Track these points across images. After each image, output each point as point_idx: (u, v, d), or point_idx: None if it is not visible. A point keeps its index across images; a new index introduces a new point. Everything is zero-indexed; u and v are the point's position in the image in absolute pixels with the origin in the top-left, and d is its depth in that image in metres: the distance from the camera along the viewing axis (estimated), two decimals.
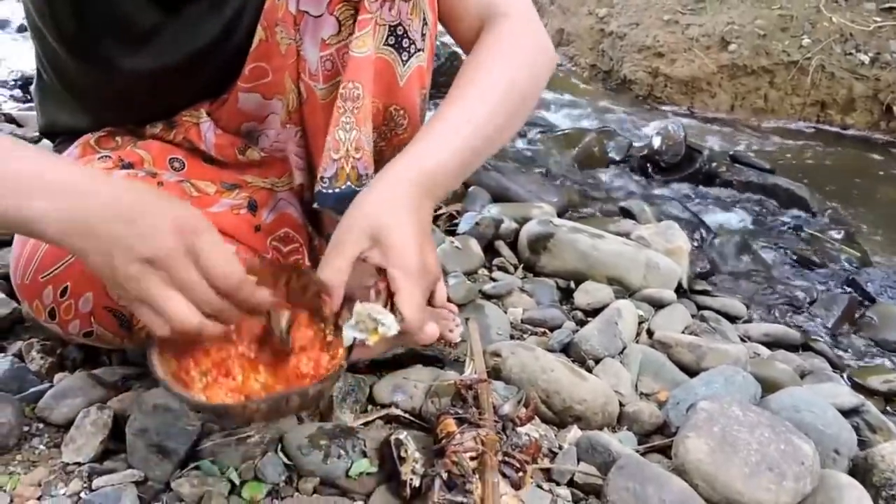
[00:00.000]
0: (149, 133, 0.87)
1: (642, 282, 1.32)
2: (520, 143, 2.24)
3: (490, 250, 1.45)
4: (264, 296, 0.59)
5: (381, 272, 0.63)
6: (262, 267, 0.67)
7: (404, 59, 0.76)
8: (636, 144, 2.42)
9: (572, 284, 1.33)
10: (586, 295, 1.27)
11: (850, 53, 2.92)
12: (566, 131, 2.37)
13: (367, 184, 0.71)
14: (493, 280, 1.33)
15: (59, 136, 0.92)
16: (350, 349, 0.62)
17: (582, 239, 1.35)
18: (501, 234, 1.47)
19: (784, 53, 2.95)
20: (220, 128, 0.87)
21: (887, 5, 2.99)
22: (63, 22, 0.73)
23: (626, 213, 1.78)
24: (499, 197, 1.74)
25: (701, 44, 3.04)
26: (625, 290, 1.31)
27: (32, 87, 0.92)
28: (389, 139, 0.82)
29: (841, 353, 1.48)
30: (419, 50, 0.77)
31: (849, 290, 1.75)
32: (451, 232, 1.49)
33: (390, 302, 0.62)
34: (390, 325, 0.60)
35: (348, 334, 0.62)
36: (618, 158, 2.30)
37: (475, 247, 1.39)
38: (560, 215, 1.71)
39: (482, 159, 0.76)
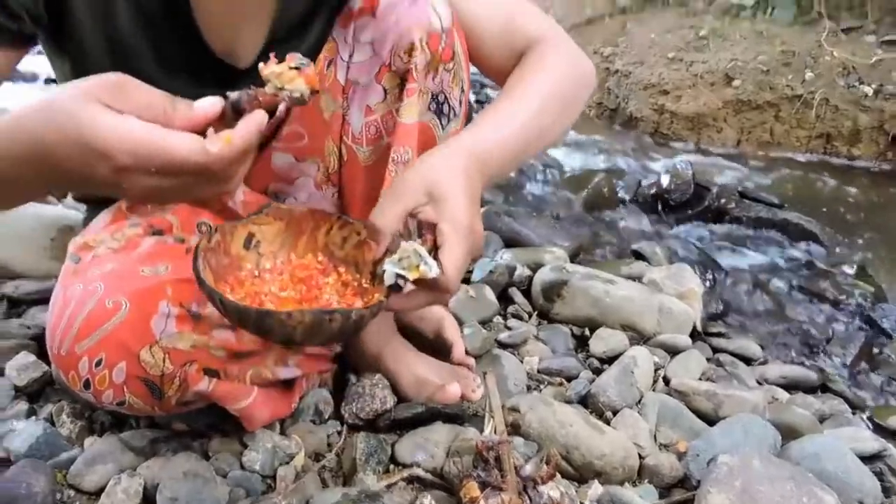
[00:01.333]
0: None
1: (656, 327, 1.33)
2: (529, 185, 2.28)
3: (504, 297, 1.47)
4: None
5: (430, 228, 0.67)
6: (304, 213, 0.73)
7: (444, 123, 0.83)
8: (645, 182, 2.44)
9: (587, 331, 1.34)
10: (601, 342, 1.28)
11: (854, 86, 2.95)
12: (575, 172, 2.40)
13: None
14: (509, 328, 1.34)
15: (90, 202, 0.96)
16: (391, 290, 0.64)
17: (595, 285, 1.37)
18: (515, 281, 1.49)
19: (788, 88, 2.99)
20: (249, 186, 0.91)
21: (887, 38, 3.03)
22: None
23: (639, 256, 1.80)
24: (511, 241, 1.77)
25: (705, 80, 3.09)
26: (639, 336, 1.32)
27: None
28: None
29: (859, 392, 1.48)
30: (456, 115, 0.85)
31: (865, 326, 1.74)
32: (465, 280, 1.51)
33: (435, 254, 0.65)
34: (431, 267, 0.63)
35: (390, 270, 0.64)
36: (627, 198, 2.33)
37: (490, 295, 1.41)
38: (572, 259, 1.72)
39: (527, 154, 0.81)
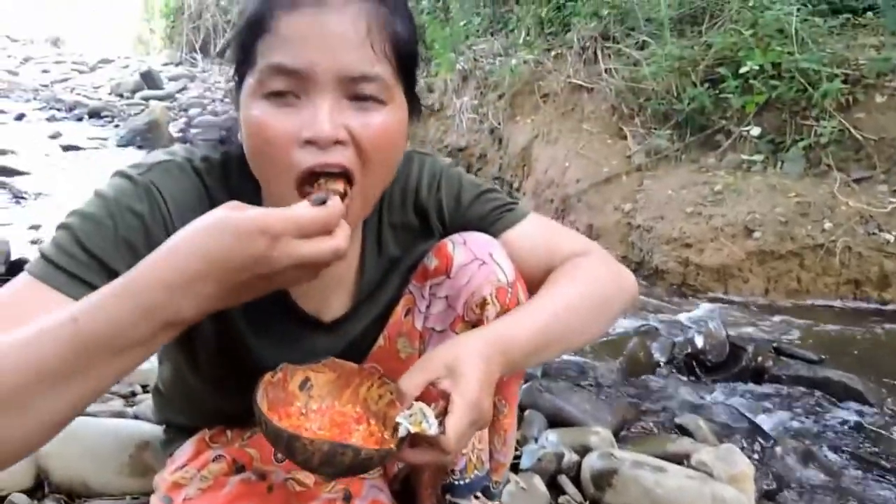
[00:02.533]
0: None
1: None
2: (567, 355, 2.32)
3: (553, 485, 1.47)
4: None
5: (445, 397, 0.75)
6: (354, 370, 0.85)
7: None
8: (678, 341, 2.48)
9: None
10: None
11: (874, 233, 3.03)
12: (611, 336, 2.45)
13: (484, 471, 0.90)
14: None
15: (171, 427, 1.03)
16: (402, 441, 0.74)
17: (645, 475, 1.37)
18: (563, 468, 1.50)
19: (809, 237, 3.08)
20: None
21: None
22: (208, 362, 0.87)
23: (683, 430, 1.80)
24: (554, 419, 1.78)
25: (726, 233, 3.20)
26: None
27: (151, 391, 1.04)
28: (494, 423, 0.94)
29: None
30: None
31: None
32: (514, 468, 1.52)
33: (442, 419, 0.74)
34: (432, 425, 0.73)
35: (401, 422, 0.74)
36: (663, 360, 2.35)
37: (540, 485, 1.42)
38: (616, 434, 1.73)
39: (552, 349, 0.88)
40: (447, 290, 0.90)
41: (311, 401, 0.83)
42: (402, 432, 0.74)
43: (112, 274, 0.70)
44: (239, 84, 0.76)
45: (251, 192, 0.80)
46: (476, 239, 0.90)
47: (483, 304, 0.87)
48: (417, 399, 0.76)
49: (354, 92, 0.72)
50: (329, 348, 0.91)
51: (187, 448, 0.96)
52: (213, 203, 0.78)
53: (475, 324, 0.88)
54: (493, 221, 0.94)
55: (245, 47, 0.73)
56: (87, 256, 0.70)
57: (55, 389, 0.57)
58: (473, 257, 0.88)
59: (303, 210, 0.61)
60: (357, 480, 0.96)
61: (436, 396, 0.76)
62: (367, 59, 0.71)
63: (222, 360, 0.87)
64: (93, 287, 0.68)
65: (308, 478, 0.94)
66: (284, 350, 0.88)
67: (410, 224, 0.93)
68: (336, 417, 0.82)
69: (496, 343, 0.79)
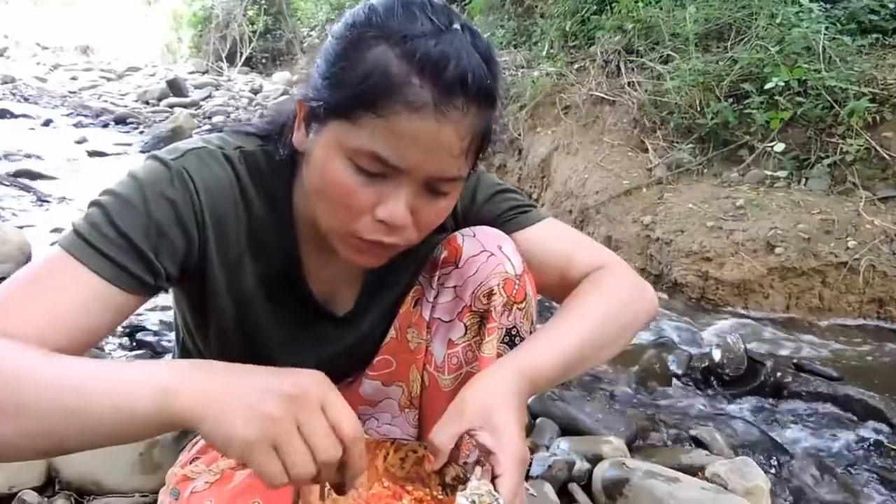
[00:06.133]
0: None
1: None
2: None
3: (564, 493, 1.46)
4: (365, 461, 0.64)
5: (485, 452, 0.72)
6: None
7: None
8: (695, 353, 2.44)
9: None
10: None
11: None
12: (627, 347, 2.42)
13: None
14: None
15: None
16: None
17: (658, 486, 1.35)
18: (575, 476, 1.48)
19: (832, 255, 3.03)
20: None
21: None
22: (224, 343, 0.88)
23: (698, 442, 1.77)
24: (566, 427, 1.77)
25: (747, 248, 3.16)
26: None
27: None
28: None
29: None
30: None
31: None
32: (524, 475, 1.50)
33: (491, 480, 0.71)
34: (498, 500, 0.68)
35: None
36: (679, 372, 2.32)
37: (550, 493, 1.40)
38: (629, 445, 1.71)
39: (577, 371, 0.86)
40: (455, 281, 0.90)
41: (339, 501, 0.76)
42: None
43: (141, 256, 0.72)
44: (319, 113, 0.73)
45: (284, 194, 0.83)
46: (486, 232, 0.90)
47: (490, 294, 0.87)
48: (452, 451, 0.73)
49: (434, 187, 0.74)
50: (338, 339, 0.92)
51: (200, 441, 0.97)
52: (243, 194, 0.80)
53: (482, 314, 0.89)
54: (506, 220, 0.94)
55: (348, 105, 0.70)
56: (118, 237, 0.71)
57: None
58: (482, 248, 0.88)
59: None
60: None
61: (468, 447, 0.75)
62: (459, 165, 0.73)
63: (236, 338, 0.88)
64: (122, 268, 0.70)
65: None
66: (295, 335, 0.89)
67: None
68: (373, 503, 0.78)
69: (525, 375, 0.78)
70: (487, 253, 0.88)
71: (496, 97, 0.74)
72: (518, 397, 0.75)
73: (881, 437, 2.01)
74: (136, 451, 1.19)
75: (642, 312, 0.92)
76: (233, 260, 0.82)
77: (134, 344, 2.05)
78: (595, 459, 1.52)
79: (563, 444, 1.61)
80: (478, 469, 0.72)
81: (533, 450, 1.60)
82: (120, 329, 2.09)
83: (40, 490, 1.23)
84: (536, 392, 0.81)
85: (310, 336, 0.91)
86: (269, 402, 0.57)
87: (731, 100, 3.78)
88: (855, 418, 2.12)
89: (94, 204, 0.74)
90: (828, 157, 3.39)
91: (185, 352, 0.98)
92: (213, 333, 0.89)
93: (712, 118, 3.75)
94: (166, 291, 0.81)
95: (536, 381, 0.79)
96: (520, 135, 4.90)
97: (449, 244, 0.91)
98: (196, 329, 0.92)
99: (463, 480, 0.73)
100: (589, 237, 1.01)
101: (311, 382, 0.60)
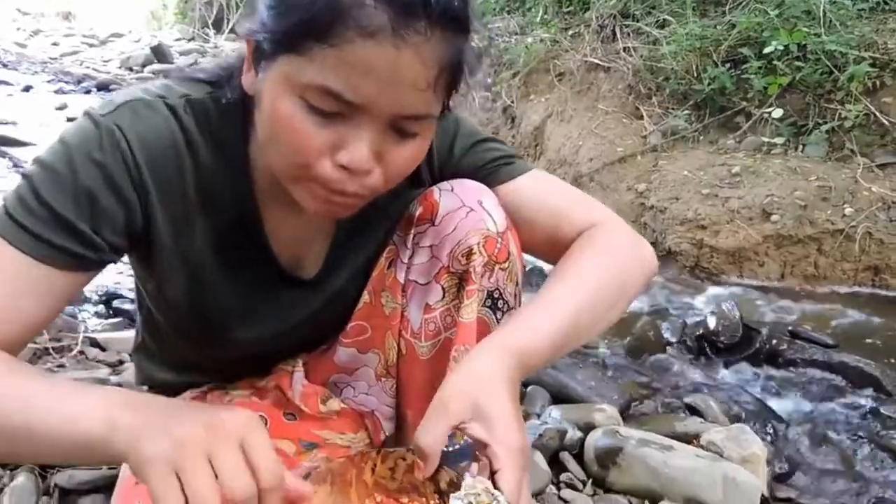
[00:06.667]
0: (241, 382, 0.93)
1: (721, 500, 1.25)
2: None
3: (555, 462, 1.41)
4: None
5: (481, 447, 0.63)
6: (343, 464, 0.69)
7: (498, 317, 0.83)
8: (690, 322, 2.40)
9: (647, 503, 1.27)
10: None
11: None
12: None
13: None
14: (563, 500, 1.28)
15: (154, 388, 0.98)
16: None
17: (652, 454, 1.31)
18: (566, 444, 1.43)
19: (828, 222, 2.98)
20: (309, 379, 0.92)
21: None
22: (177, 315, 0.81)
23: (692, 410, 1.73)
24: (557, 395, 1.72)
25: (742, 215, 3.10)
26: None
27: (132, 350, 0.99)
28: None
29: None
30: (510, 307, 0.84)
31: None
32: None
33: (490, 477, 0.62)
34: (499, 498, 0.60)
35: None
36: (673, 340, 2.28)
37: (541, 462, 1.36)
38: (622, 413, 1.67)
39: (572, 345, 0.77)
40: (431, 239, 0.82)
41: None
42: None
43: (73, 230, 0.65)
44: (266, 49, 0.64)
45: (236, 141, 0.73)
46: (466, 185, 0.82)
47: (469, 253, 0.79)
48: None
49: (400, 126, 0.65)
50: (304, 304, 0.84)
51: None
52: (189, 145, 0.71)
53: (461, 276, 0.81)
54: (488, 173, 0.84)
55: (295, 34, 0.61)
56: (45, 211, 0.64)
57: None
58: (461, 204, 0.80)
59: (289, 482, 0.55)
60: (341, 449, 0.91)
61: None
62: (427, 101, 0.64)
63: (188, 306, 0.80)
64: (53, 245, 0.64)
65: (289, 447, 0.88)
66: (255, 302, 0.81)
67: None
68: None
69: (516, 355, 0.69)
70: (466, 209, 0.80)
71: (467, 22, 0.65)
72: (510, 383, 0.66)
73: (876, 405, 1.98)
74: None
75: (640, 276, 0.83)
76: (180, 217, 0.74)
77: (110, 312, 1.98)
78: (587, 428, 1.47)
79: (555, 412, 1.57)
80: (473, 465, 0.65)
81: (524, 419, 1.55)
82: (96, 297, 2.02)
83: (2, 464, 1.17)
84: (529, 370, 0.71)
85: (273, 303, 0.83)
86: (182, 427, 0.52)
87: (728, 65, 3.70)
88: (850, 386, 2.09)
89: (23, 176, 0.67)
90: (826, 123, 3.32)
91: (146, 324, 0.91)
92: (165, 304, 0.82)
93: (709, 84, 3.67)
94: (115, 262, 0.73)
95: (528, 362, 0.70)
96: (513, 102, 4.81)
97: (424, 199, 0.83)
98: (151, 300, 0.85)
99: (459, 484, 0.64)
100: (581, 191, 0.91)
101: (236, 419, 0.54)
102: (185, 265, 0.76)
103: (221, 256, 0.77)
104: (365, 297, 0.88)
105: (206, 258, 0.77)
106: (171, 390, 0.94)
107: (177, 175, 0.71)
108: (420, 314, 0.84)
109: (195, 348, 0.85)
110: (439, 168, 0.85)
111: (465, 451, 0.67)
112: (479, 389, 0.64)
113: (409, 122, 0.65)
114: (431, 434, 0.63)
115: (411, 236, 0.84)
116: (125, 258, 0.77)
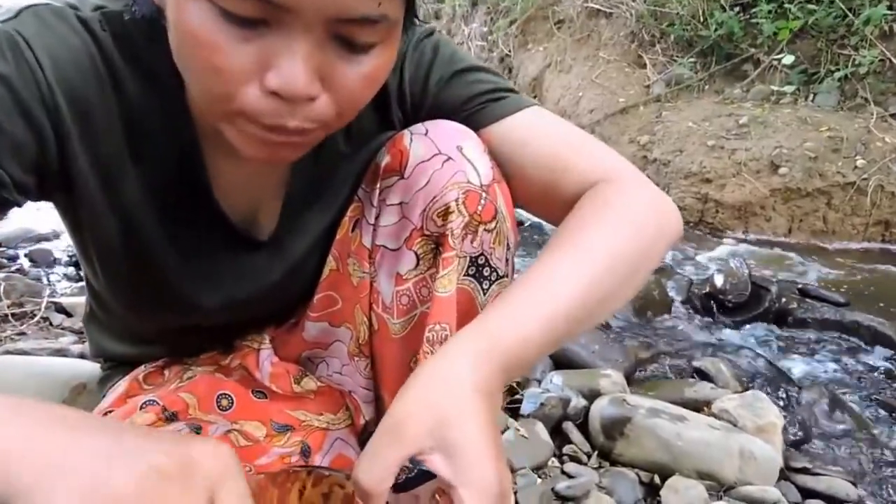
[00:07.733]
0: (203, 358, 0.81)
1: (738, 474, 1.17)
2: None
3: (558, 433, 1.32)
4: None
5: (444, 488, 0.47)
6: (262, 482, 0.55)
7: (485, 287, 0.68)
8: (696, 279, 2.30)
9: (657, 478, 1.18)
10: (676, 495, 1.12)
11: None
12: None
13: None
14: (566, 474, 1.19)
15: (108, 360, 0.87)
16: None
17: (663, 425, 1.21)
18: (570, 414, 1.34)
19: (839, 175, 2.86)
20: (279, 355, 0.81)
21: None
22: (113, 281, 0.69)
23: (701, 374, 1.64)
24: (559, 360, 1.63)
25: (750, 168, 2.98)
26: (718, 486, 1.16)
27: (83, 318, 0.87)
28: None
29: None
30: (501, 276, 0.68)
31: None
32: (514, 411, 1.37)
33: None
34: None
35: None
36: (679, 299, 2.18)
37: (542, 433, 1.27)
38: (628, 378, 1.58)
39: (575, 333, 0.59)
40: (401, 196, 0.67)
41: None
42: None
43: None
44: None
45: (168, 71, 0.55)
46: (443, 127, 0.65)
47: (446, 212, 0.63)
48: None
49: (344, 34, 0.48)
50: (265, 270, 0.71)
51: (120, 388, 0.79)
52: (111, 71, 0.57)
53: (437, 239, 0.65)
54: (473, 111, 0.67)
55: None
56: None
57: None
58: (436, 151, 0.64)
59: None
60: (319, 431, 0.80)
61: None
62: None
63: (127, 271, 0.67)
64: None
65: (258, 430, 0.77)
66: (206, 267, 0.68)
67: (365, 114, 0.62)
68: None
69: (500, 356, 0.51)
70: (443, 157, 0.64)
71: None
72: (485, 397, 0.49)
73: (891, 365, 1.90)
74: (59, 398, 1.02)
75: (663, 241, 0.64)
76: (107, 162, 0.59)
77: (80, 274, 1.86)
78: (592, 395, 1.38)
79: (557, 379, 1.47)
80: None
81: (523, 385, 1.46)
82: (66, 257, 1.89)
83: None
84: (515, 378, 0.54)
85: (227, 267, 0.69)
86: (121, 474, 0.36)
87: (736, 9, 3.52)
88: (863, 345, 2.00)
89: None
90: (839, 70, 3.17)
91: (89, 289, 0.78)
92: (99, 266, 0.67)
93: (716, 29, 3.50)
94: (20, 206, 0.56)
95: (515, 364, 0.53)
96: (510, 52, 4.62)
97: (393, 146, 0.67)
98: (84, 260, 0.71)
99: None
100: (591, 135, 0.72)
101: (205, 457, 0.39)
102: (119, 221, 0.62)
103: (161, 213, 0.63)
104: (331, 262, 0.74)
105: (142, 214, 0.63)
106: (126, 364, 0.83)
107: (99, 105, 0.57)
108: (391, 286, 0.69)
109: (138, 318, 0.72)
110: (413, 106, 0.69)
111: (430, 474, 0.48)
112: (442, 407, 0.48)
113: (356, 27, 0.48)
114: (376, 470, 0.46)
115: (377, 192, 0.69)
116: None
